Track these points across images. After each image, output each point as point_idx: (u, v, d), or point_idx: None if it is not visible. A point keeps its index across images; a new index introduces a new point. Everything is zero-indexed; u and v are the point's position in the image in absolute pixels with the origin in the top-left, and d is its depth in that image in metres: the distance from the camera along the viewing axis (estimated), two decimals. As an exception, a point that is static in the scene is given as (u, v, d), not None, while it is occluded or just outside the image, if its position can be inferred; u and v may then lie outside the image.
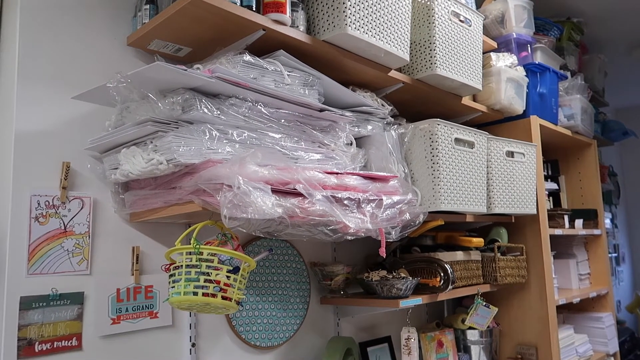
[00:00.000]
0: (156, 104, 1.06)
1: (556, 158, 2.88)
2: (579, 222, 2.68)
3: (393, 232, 1.36)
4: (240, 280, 1.11)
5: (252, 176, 1.05)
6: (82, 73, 1.33)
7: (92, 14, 1.38)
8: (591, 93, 3.12)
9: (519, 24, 2.45)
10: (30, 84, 1.24)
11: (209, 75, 1.07)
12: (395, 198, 1.36)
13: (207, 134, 1.10)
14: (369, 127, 1.69)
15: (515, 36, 2.41)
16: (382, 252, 1.32)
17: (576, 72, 3.00)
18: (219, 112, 1.14)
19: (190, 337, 1.46)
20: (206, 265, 1.07)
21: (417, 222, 1.42)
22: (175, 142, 1.06)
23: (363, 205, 1.27)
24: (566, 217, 2.54)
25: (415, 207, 1.43)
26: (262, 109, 1.21)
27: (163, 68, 0.99)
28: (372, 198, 1.30)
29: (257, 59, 1.30)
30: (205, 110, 1.11)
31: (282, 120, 1.30)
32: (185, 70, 1.03)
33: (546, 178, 2.72)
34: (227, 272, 1.09)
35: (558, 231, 2.39)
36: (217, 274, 1.07)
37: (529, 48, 2.52)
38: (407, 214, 1.37)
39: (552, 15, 3.04)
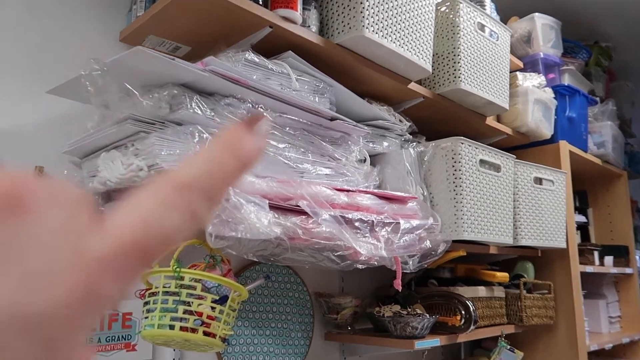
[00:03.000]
0: (139, 99, 0.91)
1: (584, 189, 2.68)
2: (609, 259, 2.47)
3: (410, 262, 1.17)
4: (227, 313, 0.93)
5: (247, 188, 0.88)
6: (64, 69, 1.18)
7: (83, 3, 1.24)
8: (619, 122, 2.94)
9: (547, 44, 2.30)
10: (3, 76, 1.10)
11: (202, 68, 0.91)
12: (415, 222, 1.18)
13: (197, 136, 0.93)
14: (385, 144, 1.52)
15: (542, 56, 2.25)
16: (398, 284, 1.13)
17: (604, 99, 2.83)
18: (212, 113, 0.98)
19: (173, 374, 1.27)
20: (187, 293, 0.89)
21: (439, 251, 1.23)
22: (157, 144, 0.90)
23: (377, 229, 1.09)
24: (596, 253, 2.32)
25: (437, 234, 1.25)
26: (265, 113, 1.05)
27: (145, 54, 0.83)
28: (388, 221, 1.12)
29: (262, 58, 1.14)
30: (197, 109, 0.95)
31: (287, 128, 1.13)
32: (173, 59, 0.87)
33: (574, 210, 2.51)
34: (212, 302, 0.91)
35: (589, 268, 2.18)
36: (199, 304, 0.89)
37: (557, 70, 2.36)
38: (428, 242, 1.18)
39: (578, 39, 2.88)
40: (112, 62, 0.86)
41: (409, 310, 1.51)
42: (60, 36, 1.20)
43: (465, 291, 1.65)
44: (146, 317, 0.91)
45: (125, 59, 0.85)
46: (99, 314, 0.25)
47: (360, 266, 1.05)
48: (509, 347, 1.76)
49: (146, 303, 0.92)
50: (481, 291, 1.74)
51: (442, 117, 1.80)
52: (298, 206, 0.95)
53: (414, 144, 1.59)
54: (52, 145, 1.14)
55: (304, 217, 0.96)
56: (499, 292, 1.83)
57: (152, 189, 0.29)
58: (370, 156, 1.45)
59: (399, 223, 1.14)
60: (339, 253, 1.01)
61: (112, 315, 1.18)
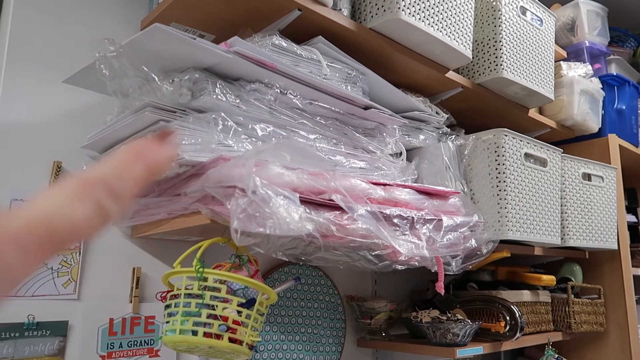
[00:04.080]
0: (158, 85, 0.84)
1: (633, 186, 2.50)
2: (661, 262, 2.29)
3: (453, 263, 1.07)
4: (255, 318, 0.85)
5: (275, 180, 0.79)
6: (83, 61, 1.11)
7: (103, -7, 1.19)
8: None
9: (592, 32, 2.15)
10: (20, 68, 1.05)
11: (225, 50, 0.83)
12: (458, 219, 1.08)
13: (220, 124, 0.86)
14: (421, 137, 1.42)
15: (587, 45, 2.11)
16: (440, 287, 1.03)
17: (652, 91, 2.64)
18: (238, 100, 0.90)
19: (198, 382, 1.19)
20: (211, 296, 0.81)
21: (484, 252, 1.13)
22: (179, 133, 0.83)
23: (417, 227, 0.99)
24: (648, 256, 2.16)
25: (482, 232, 1.14)
26: (294, 100, 0.97)
27: (164, 33, 0.76)
28: (429, 218, 1.02)
29: (290, 43, 1.06)
30: (221, 95, 0.87)
31: (318, 118, 1.05)
32: (194, 39, 0.80)
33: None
34: (238, 305, 0.82)
35: (641, 271, 2.02)
36: (224, 308, 0.81)
37: (603, 60, 2.20)
38: (473, 241, 1.08)
39: (625, 27, 2.71)
40: (128, 43, 0.79)
41: (449, 315, 1.40)
42: (79, 26, 1.14)
43: (509, 295, 1.53)
44: (167, 322, 0.84)
45: (142, 40, 0.78)
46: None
47: (399, 267, 0.95)
48: (557, 356, 1.63)
49: (167, 306, 0.85)
50: (525, 295, 1.61)
51: (481, 109, 1.68)
52: (332, 200, 0.86)
53: (453, 137, 1.48)
54: (71, 139, 1.09)
55: (338, 212, 0.87)
56: (545, 296, 1.70)
57: (62, 184, 0.35)
58: (405, 151, 1.35)
59: (441, 220, 1.03)
60: (376, 252, 0.92)
61: (134, 319, 1.11)
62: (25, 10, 1.07)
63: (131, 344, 1.10)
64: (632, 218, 2.35)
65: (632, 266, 1.97)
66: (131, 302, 1.11)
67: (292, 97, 0.97)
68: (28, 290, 0.99)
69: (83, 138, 1.06)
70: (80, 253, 1.06)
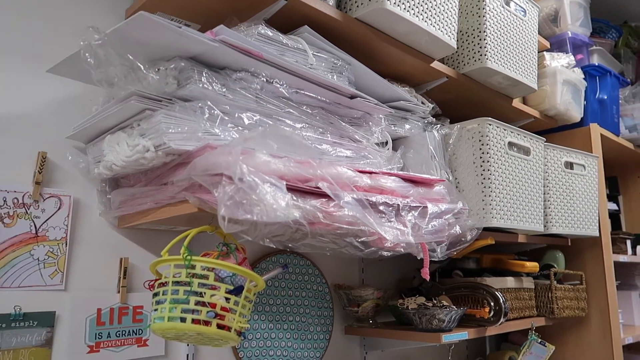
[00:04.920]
0: (144, 74, 0.83)
1: (614, 175, 2.55)
2: (641, 249, 2.34)
3: (438, 250, 1.09)
4: (243, 304, 0.85)
5: (262, 168, 0.80)
6: (68, 51, 1.11)
7: (86, -18, 1.18)
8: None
9: (575, 23, 2.18)
10: (3, 59, 1.04)
11: (211, 38, 0.83)
12: (443, 206, 1.09)
13: (207, 112, 0.86)
14: (407, 127, 1.43)
15: (570, 35, 2.13)
16: (426, 273, 1.05)
17: (634, 82, 2.69)
18: (224, 89, 0.90)
19: (187, 370, 1.20)
20: (199, 283, 0.82)
21: (469, 238, 1.15)
22: (165, 122, 0.83)
23: (403, 214, 1.00)
24: (629, 242, 2.21)
25: (466, 219, 1.16)
26: (280, 88, 0.97)
27: (149, 21, 0.76)
28: (415, 205, 1.04)
29: (276, 32, 1.06)
30: (207, 84, 0.87)
31: (304, 107, 1.05)
32: (180, 27, 0.79)
33: (604, 197, 2.39)
34: (226, 292, 0.83)
35: (622, 258, 2.07)
36: (212, 295, 0.82)
37: (585, 50, 2.23)
38: (458, 227, 1.09)
39: (607, 18, 2.75)
40: (113, 31, 0.79)
41: (435, 302, 1.42)
42: (62, 16, 1.13)
43: (493, 282, 1.56)
44: (155, 310, 0.84)
45: (128, 28, 0.78)
46: None
47: (386, 253, 0.97)
48: (539, 340, 1.66)
49: (155, 294, 0.86)
50: (510, 282, 1.64)
51: (465, 99, 1.70)
52: (318, 188, 0.87)
53: (438, 126, 1.50)
54: (56, 130, 1.08)
55: (324, 200, 0.88)
56: (528, 283, 1.73)
57: None
58: (391, 140, 1.36)
59: (426, 207, 1.05)
60: (362, 239, 0.93)
61: (122, 309, 1.11)
62: (7, 1, 1.06)
63: (119, 334, 1.10)
64: (613, 206, 2.40)
65: (613, 253, 2.01)
66: (119, 292, 1.12)
67: (279, 86, 0.97)
68: (14, 281, 0.99)
69: (68, 128, 1.05)
70: (66, 244, 1.06)
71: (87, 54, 0.80)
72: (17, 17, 1.07)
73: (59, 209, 1.06)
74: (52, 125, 1.08)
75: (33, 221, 1.03)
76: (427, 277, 1.05)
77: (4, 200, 1.00)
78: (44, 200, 1.05)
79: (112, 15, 1.21)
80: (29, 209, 1.02)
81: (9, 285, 0.98)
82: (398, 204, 1.00)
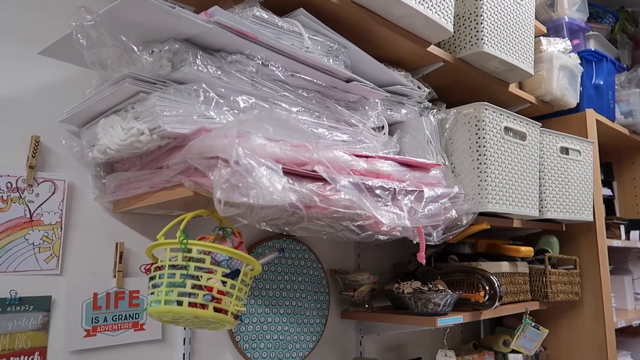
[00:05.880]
0: (138, 56, 0.82)
1: (609, 161, 2.56)
2: (634, 234, 2.36)
3: (435, 234, 1.09)
4: (240, 288, 0.86)
5: (258, 151, 0.80)
6: (59, 32, 1.09)
7: (77, -37, 1.15)
8: (645, 92, 2.79)
9: (572, 8, 2.16)
10: (-6, 39, 1.02)
11: (206, 19, 0.82)
12: (439, 191, 1.10)
13: (202, 95, 0.85)
14: (403, 111, 1.43)
15: (567, 20, 2.12)
16: (422, 257, 1.05)
17: (630, 67, 2.69)
18: (219, 72, 0.89)
19: (184, 354, 1.21)
20: (195, 267, 0.82)
21: (465, 222, 1.15)
22: (159, 105, 0.82)
23: (399, 198, 1.00)
24: (622, 228, 2.22)
25: (462, 204, 1.16)
26: (275, 71, 0.96)
27: (142, 2, 0.75)
28: (411, 189, 1.04)
29: (272, 14, 1.05)
30: (202, 67, 0.86)
31: (300, 90, 1.05)
32: (173, 7, 0.78)
33: (598, 183, 2.40)
34: (223, 276, 0.83)
35: (616, 242, 2.08)
36: (209, 278, 0.82)
37: (582, 35, 2.23)
38: (454, 211, 1.10)
39: (603, 3, 2.74)
40: (105, 12, 0.78)
41: (430, 286, 1.43)
42: (54, -4, 1.11)
43: (489, 266, 1.57)
44: (152, 293, 0.84)
45: (120, 9, 0.77)
46: None
47: (382, 237, 0.97)
48: (533, 324, 1.68)
49: (152, 278, 0.86)
50: (504, 266, 1.65)
51: (462, 84, 1.70)
52: (314, 172, 0.87)
53: (434, 111, 1.49)
54: (50, 113, 1.07)
55: (321, 183, 0.87)
56: (523, 267, 1.74)
57: None
58: (388, 125, 1.36)
59: (422, 191, 1.05)
60: (359, 223, 0.93)
61: (118, 293, 1.11)
62: (-4, -21, 1.04)
63: (116, 318, 1.11)
64: (607, 191, 2.41)
65: (607, 237, 2.03)
66: (115, 277, 1.12)
67: (274, 69, 0.96)
68: (9, 265, 0.98)
69: (61, 112, 1.04)
70: (61, 228, 1.06)
71: (79, 35, 0.79)
72: (7, -1, 1.05)
73: (53, 193, 1.05)
74: (45, 109, 1.07)
75: (27, 205, 1.02)
76: (424, 261, 1.05)
77: (-2, 185, 0.99)
78: (38, 184, 1.04)
79: (105, -3, 1.20)
80: (22, 194, 1.02)
81: (4, 270, 0.98)
82: (394, 188, 1.00)
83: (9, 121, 1.02)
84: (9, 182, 1.00)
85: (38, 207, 1.03)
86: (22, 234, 1.01)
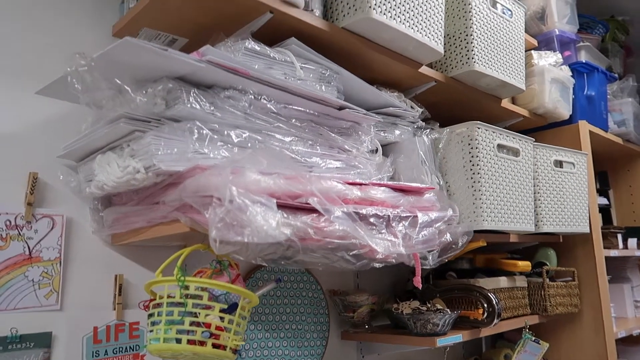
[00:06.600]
0: (132, 97, 0.84)
1: (604, 170, 2.58)
2: (632, 242, 2.37)
3: (430, 258, 1.10)
4: (238, 322, 0.86)
5: (252, 187, 0.81)
6: (56, 69, 1.11)
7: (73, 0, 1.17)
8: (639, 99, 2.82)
9: (562, 20, 2.19)
10: (-9, 79, 1.04)
11: (197, 59, 0.84)
12: (433, 215, 1.11)
13: (196, 133, 0.87)
14: (397, 132, 1.44)
15: (557, 33, 2.15)
16: (418, 282, 1.06)
17: (622, 75, 2.71)
18: (212, 108, 0.91)
19: (185, 383, 1.21)
20: (193, 304, 0.83)
21: (460, 245, 1.16)
22: (154, 143, 0.83)
23: (394, 224, 1.02)
24: (619, 236, 2.23)
25: (456, 225, 1.17)
26: (268, 104, 0.98)
27: (135, 46, 0.76)
28: (405, 215, 1.05)
29: (263, 46, 1.07)
30: (195, 104, 0.88)
31: (293, 120, 1.06)
32: (166, 50, 0.80)
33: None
34: (220, 311, 0.84)
35: (613, 252, 2.09)
36: (207, 315, 0.83)
37: (573, 47, 2.25)
38: (448, 235, 1.11)
39: (593, 14, 2.77)
40: (99, 56, 0.79)
41: (429, 305, 1.44)
42: (49, 33, 1.13)
43: (486, 283, 1.58)
44: (151, 331, 0.85)
45: (114, 53, 0.78)
46: None
47: (377, 265, 0.98)
48: (533, 338, 1.68)
49: (151, 315, 0.86)
50: (503, 282, 1.66)
51: (455, 102, 1.72)
52: (308, 204, 0.88)
53: (427, 130, 1.51)
54: (47, 149, 1.08)
55: (315, 215, 0.89)
56: (521, 281, 1.75)
57: None
58: (382, 146, 1.37)
59: (416, 216, 1.06)
60: (354, 252, 0.94)
61: (118, 326, 1.12)
62: (-9, 20, 1.06)
63: (116, 351, 1.11)
64: (603, 200, 2.43)
65: (604, 247, 2.03)
66: (115, 309, 1.12)
67: (267, 102, 0.98)
68: (10, 303, 0.99)
69: (58, 148, 1.06)
70: (61, 263, 1.06)
71: (74, 80, 0.80)
72: (2, 36, 1.07)
73: (52, 228, 1.06)
74: (42, 145, 1.08)
75: (26, 242, 1.03)
76: (420, 286, 1.06)
77: (-4, 223, 1.00)
78: (37, 220, 1.05)
79: (99, 29, 1.21)
80: (22, 231, 1.03)
81: (5, 308, 0.99)
82: (388, 215, 1.01)
83: (7, 158, 1.03)
84: (8, 219, 1.01)
85: (37, 244, 1.04)
86: (21, 271, 1.02)
